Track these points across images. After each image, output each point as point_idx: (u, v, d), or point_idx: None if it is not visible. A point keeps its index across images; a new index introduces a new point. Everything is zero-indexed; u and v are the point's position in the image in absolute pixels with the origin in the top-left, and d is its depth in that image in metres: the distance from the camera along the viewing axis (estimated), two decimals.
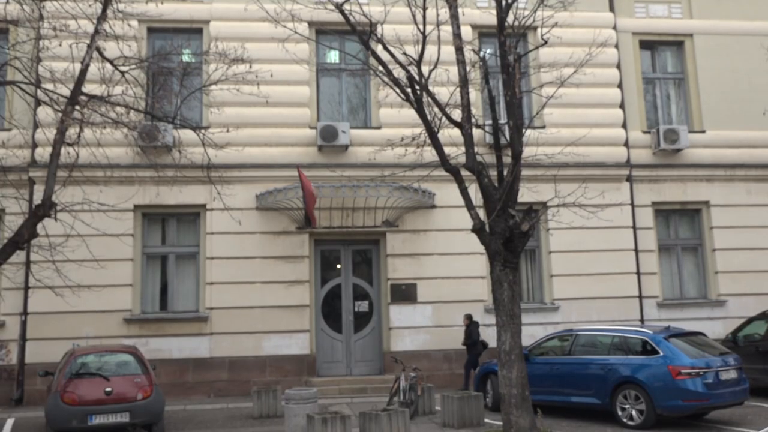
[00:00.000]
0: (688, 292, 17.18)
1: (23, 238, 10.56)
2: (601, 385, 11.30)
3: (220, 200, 13.34)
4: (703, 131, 17.39)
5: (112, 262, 14.48)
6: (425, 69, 10.20)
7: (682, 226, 17.52)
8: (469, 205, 10.07)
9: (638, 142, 17.09)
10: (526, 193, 11.73)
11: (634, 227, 16.63)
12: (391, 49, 10.45)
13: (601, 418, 11.52)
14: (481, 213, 10.41)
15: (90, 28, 11.46)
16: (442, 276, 15.76)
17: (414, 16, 10.29)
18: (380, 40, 10.50)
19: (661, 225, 17.33)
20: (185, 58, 15.45)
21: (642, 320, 16.17)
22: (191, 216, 15.68)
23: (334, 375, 15.49)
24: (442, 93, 10.90)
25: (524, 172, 10.87)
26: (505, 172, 9.97)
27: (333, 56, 16.89)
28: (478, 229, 9.97)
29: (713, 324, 16.24)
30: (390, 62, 10.47)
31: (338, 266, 16.24)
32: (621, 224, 16.44)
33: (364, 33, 10.48)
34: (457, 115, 10.34)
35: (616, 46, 17.14)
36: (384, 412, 9.82)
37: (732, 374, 10.94)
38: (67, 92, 11.07)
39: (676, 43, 18.03)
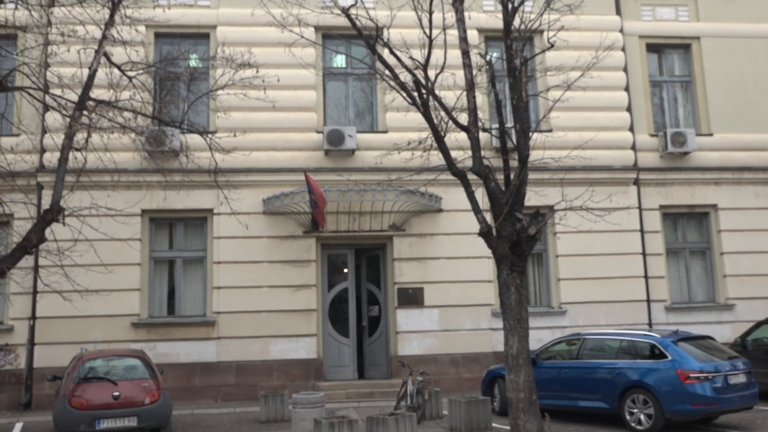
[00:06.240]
0: (696, 295, 17.12)
1: (32, 243, 10.58)
2: (609, 390, 11.25)
3: (227, 205, 13.35)
4: (711, 134, 17.34)
5: (119, 266, 14.51)
6: (432, 73, 10.18)
7: (689, 230, 17.46)
8: (475, 208, 10.05)
9: (645, 146, 17.05)
10: (533, 197, 11.67)
11: (642, 231, 16.58)
12: (398, 53, 10.46)
13: (609, 422, 11.48)
14: (488, 217, 10.38)
15: (98, 33, 11.50)
16: (449, 280, 15.75)
17: (420, 20, 10.29)
18: (386, 44, 10.48)
19: (668, 228, 17.26)
20: (192, 63, 15.52)
21: (650, 324, 16.13)
22: (198, 220, 15.73)
23: (341, 379, 15.48)
24: (449, 97, 10.88)
25: (531, 175, 10.83)
26: (512, 176, 9.94)
27: (339, 60, 16.93)
28: (485, 233, 9.94)
29: (722, 328, 16.18)
30: (396, 66, 10.46)
31: (345, 270, 16.24)
32: (628, 228, 16.40)
33: (370, 37, 10.48)
34: (463, 118, 10.32)
35: (623, 49, 17.13)
36: (391, 417, 9.81)
37: (741, 378, 10.89)
38: (75, 97, 11.10)
39: (683, 46, 17.99)
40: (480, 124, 10.27)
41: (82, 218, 12.07)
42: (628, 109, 17.06)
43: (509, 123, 12.37)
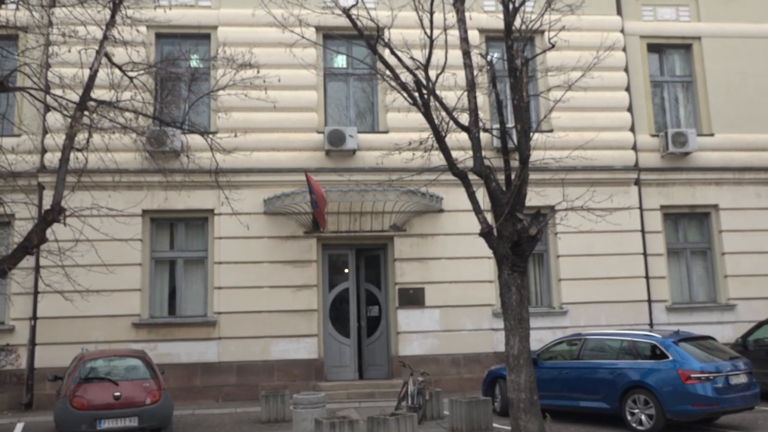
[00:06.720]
0: (698, 295, 17.11)
1: (33, 243, 10.58)
2: (610, 390, 11.24)
3: (228, 205, 13.34)
4: (712, 134, 17.33)
5: (120, 266, 14.51)
6: (432, 73, 10.19)
7: (690, 230, 17.45)
8: (476, 209, 10.05)
9: (646, 146, 17.04)
10: (534, 197, 11.68)
11: (643, 231, 16.57)
12: (399, 53, 10.45)
13: (610, 422, 11.47)
14: (489, 217, 10.40)
15: (99, 34, 11.51)
16: (450, 280, 15.75)
17: (421, 20, 10.29)
18: (387, 45, 10.49)
19: (669, 229, 17.26)
20: (193, 63, 15.53)
21: (651, 324, 16.12)
22: (199, 221, 15.73)
23: (342, 379, 15.48)
24: (450, 97, 10.88)
25: (532, 175, 10.84)
26: (512, 176, 9.95)
27: (340, 61, 16.93)
28: (485, 233, 9.95)
29: (723, 328, 16.17)
30: (397, 66, 10.46)
31: (346, 270, 16.24)
32: (629, 228, 16.39)
33: (371, 37, 10.49)
34: (464, 119, 10.33)
35: (624, 50, 17.12)
36: (392, 417, 9.80)
37: (742, 378, 10.88)
38: (76, 98, 11.11)
39: (684, 46, 17.98)
40: (481, 124, 10.28)
41: (83, 218, 12.08)
42: (629, 109, 17.05)
43: (510, 123, 12.37)
